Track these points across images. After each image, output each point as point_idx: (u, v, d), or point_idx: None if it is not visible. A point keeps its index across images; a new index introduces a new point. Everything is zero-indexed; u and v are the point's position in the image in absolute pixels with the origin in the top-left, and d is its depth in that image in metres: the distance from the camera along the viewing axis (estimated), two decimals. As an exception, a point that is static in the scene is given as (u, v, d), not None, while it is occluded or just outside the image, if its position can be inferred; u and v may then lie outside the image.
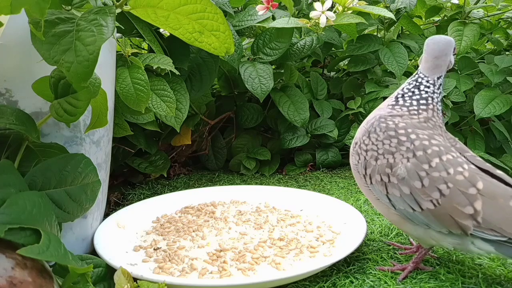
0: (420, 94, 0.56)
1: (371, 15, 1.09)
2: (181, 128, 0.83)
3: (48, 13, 0.41)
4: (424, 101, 0.56)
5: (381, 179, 0.52)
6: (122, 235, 0.65)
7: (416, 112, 0.55)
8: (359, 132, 0.57)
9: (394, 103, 0.57)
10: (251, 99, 1.14)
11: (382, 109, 0.58)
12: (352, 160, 0.57)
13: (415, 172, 0.50)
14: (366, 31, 1.21)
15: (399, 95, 0.57)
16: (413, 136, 0.52)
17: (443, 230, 0.50)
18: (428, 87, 0.56)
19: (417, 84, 0.57)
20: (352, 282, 0.53)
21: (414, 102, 0.56)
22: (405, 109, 0.56)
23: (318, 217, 0.71)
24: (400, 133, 0.53)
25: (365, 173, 0.54)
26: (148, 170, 0.96)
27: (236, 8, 1.08)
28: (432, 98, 0.56)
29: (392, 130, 0.53)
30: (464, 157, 0.52)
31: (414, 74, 0.58)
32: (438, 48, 0.56)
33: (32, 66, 0.51)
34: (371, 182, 0.54)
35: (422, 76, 0.57)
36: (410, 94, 0.57)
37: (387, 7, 1.07)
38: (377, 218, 0.72)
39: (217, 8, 0.45)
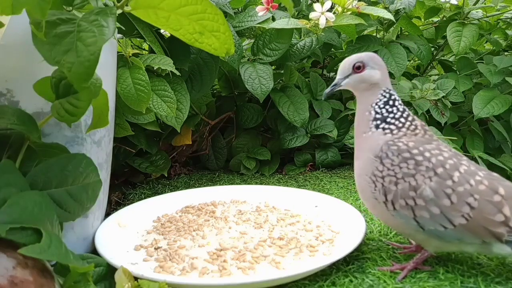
0: (399, 110, 0.54)
1: (370, 16, 1.09)
2: (181, 128, 0.84)
3: (49, 14, 0.41)
4: (406, 113, 0.55)
5: (406, 203, 0.50)
6: (123, 234, 0.66)
7: (414, 128, 0.54)
8: (366, 163, 0.54)
9: (387, 131, 0.54)
10: (251, 100, 1.15)
11: (376, 139, 0.54)
12: (367, 189, 0.54)
13: (441, 191, 0.49)
14: (365, 32, 1.21)
15: (380, 121, 0.54)
16: (427, 154, 0.51)
17: (476, 241, 0.49)
18: (398, 100, 0.55)
19: (393, 102, 0.54)
20: (352, 281, 0.53)
21: (402, 120, 0.54)
22: (403, 129, 0.54)
23: (318, 217, 0.72)
24: (414, 153, 0.51)
25: (386, 199, 0.52)
26: (149, 170, 0.96)
27: (236, 9, 1.08)
28: (406, 108, 0.55)
29: (405, 151, 0.51)
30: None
31: (379, 92, 0.54)
32: (384, 63, 0.56)
33: (33, 67, 0.51)
34: (394, 208, 0.52)
35: (392, 92, 0.55)
36: (391, 115, 0.54)
37: (386, 8, 1.08)
38: (376, 217, 0.73)
39: (218, 9, 0.45)
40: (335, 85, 0.57)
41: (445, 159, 0.51)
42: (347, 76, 0.56)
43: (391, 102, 0.55)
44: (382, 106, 0.54)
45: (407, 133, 0.54)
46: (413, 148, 0.51)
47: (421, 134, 0.54)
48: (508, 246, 0.49)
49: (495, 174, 0.52)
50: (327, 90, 0.58)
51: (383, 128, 0.54)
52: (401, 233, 0.56)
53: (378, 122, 0.54)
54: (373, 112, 0.55)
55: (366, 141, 0.55)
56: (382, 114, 0.54)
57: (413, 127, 0.54)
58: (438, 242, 0.52)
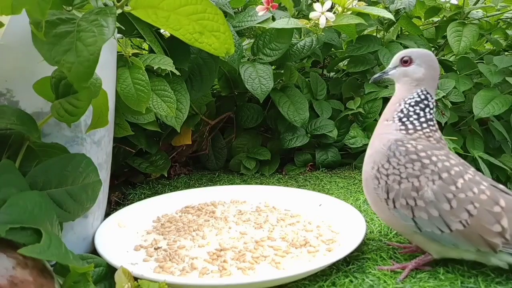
0: (425, 116, 0.55)
1: (370, 16, 1.09)
2: (181, 128, 0.83)
3: (49, 14, 0.41)
4: (432, 123, 0.56)
5: (407, 203, 0.51)
6: (122, 234, 0.66)
7: (430, 134, 0.55)
8: (375, 152, 0.55)
9: (403, 127, 0.55)
10: (251, 99, 1.15)
11: (390, 133, 0.55)
12: (370, 183, 0.55)
13: (443, 195, 0.50)
14: (365, 32, 1.21)
15: (403, 116, 0.55)
16: (434, 158, 0.52)
17: (470, 249, 0.50)
18: (433, 108, 0.56)
19: (424, 105, 0.55)
20: (352, 282, 0.53)
21: (424, 125, 0.55)
22: (420, 132, 0.55)
23: (318, 217, 0.71)
24: (422, 156, 0.52)
25: (387, 197, 0.53)
26: (148, 170, 0.96)
27: (236, 9, 1.08)
28: (434, 118, 0.56)
29: (413, 153, 0.52)
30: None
31: (416, 90, 0.56)
32: (437, 65, 0.56)
33: (33, 67, 0.51)
34: (394, 206, 0.52)
35: (429, 97, 0.56)
36: (415, 116, 0.55)
37: (386, 8, 1.08)
38: (377, 217, 0.73)
39: (218, 9, 0.45)
40: (383, 72, 0.60)
41: (451, 165, 0.51)
42: (395, 67, 0.58)
43: (421, 105, 0.56)
44: (412, 104, 0.56)
45: (421, 137, 0.54)
46: (421, 151, 0.52)
47: (434, 142, 0.54)
48: (506, 258, 0.49)
49: (501, 185, 0.52)
50: (376, 75, 0.61)
51: (402, 123, 0.55)
52: (400, 233, 0.56)
53: (401, 115, 0.56)
54: (402, 105, 0.56)
55: (385, 128, 0.56)
56: (408, 111, 0.56)
57: (429, 134, 0.55)
58: (436, 246, 0.53)
